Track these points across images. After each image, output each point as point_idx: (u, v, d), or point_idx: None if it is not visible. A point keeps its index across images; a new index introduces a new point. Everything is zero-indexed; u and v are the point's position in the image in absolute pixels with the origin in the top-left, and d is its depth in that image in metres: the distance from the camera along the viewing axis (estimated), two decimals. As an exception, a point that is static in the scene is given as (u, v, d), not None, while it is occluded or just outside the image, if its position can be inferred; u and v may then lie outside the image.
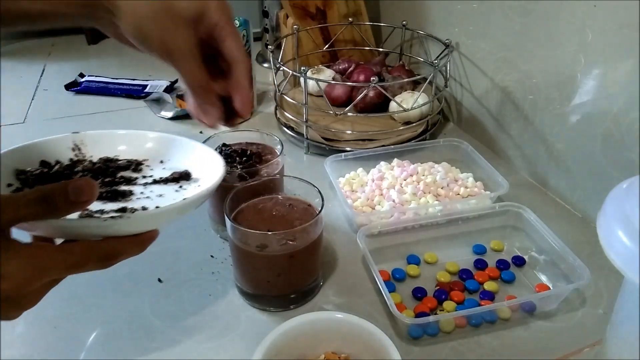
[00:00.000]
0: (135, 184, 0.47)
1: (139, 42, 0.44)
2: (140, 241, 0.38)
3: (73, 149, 0.48)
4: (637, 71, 0.56)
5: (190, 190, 0.46)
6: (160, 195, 0.45)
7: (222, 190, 0.57)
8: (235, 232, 0.52)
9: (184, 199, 0.41)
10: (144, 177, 0.48)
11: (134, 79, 1.07)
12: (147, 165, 0.50)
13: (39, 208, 0.33)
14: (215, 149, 0.63)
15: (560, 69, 0.66)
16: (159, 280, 0.58)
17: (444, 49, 0.85)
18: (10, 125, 0.91)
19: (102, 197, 0.44)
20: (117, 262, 0.37)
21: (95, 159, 0.49)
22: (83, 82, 1.06)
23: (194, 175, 0.48)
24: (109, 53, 1.26)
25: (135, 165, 0.49)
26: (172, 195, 0.46)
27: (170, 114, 0.93)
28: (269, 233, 0.51)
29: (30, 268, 0.32)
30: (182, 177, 0.48)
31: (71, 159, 0.48)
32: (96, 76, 1.08)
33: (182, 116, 0.92)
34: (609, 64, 0.60)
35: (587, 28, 0.61)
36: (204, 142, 0.62)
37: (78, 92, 1.03)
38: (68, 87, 1.04)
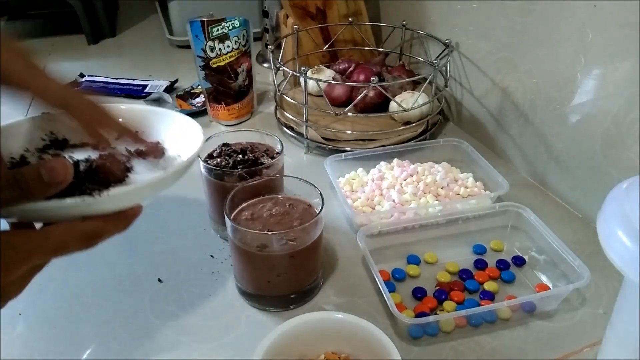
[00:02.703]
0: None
1: None
2: (123, 217, 0.36)
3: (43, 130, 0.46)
4: (637, 71, 0.56)
5: (170, 162, 0.45)
6: (139, 169, 0.44)
7: (222, 190, 0.57)
8: (235, 232, 0.52)
9: (165, 170, 0.40)
10: (122, 153, 0.46)
11: (134, 79, 1.07)
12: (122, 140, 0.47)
13: (12, 193, 0.31)
14: (216, 149, 0.63)
15: (560, 69, 0.66)
16: (159, 280, 0.58)
17: (444, 49, 0.85)
18: (10, 125, 0.91)
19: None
20: (101, 240, 0.36)
21: (71, 140, 0.46)
22: (83, 82, 1.06)
23: (173, 146, 0.46)
24: (109, 53, 1.26)
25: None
26: (151, 168, 0.44)
27: (170, 114, 0.92)
28: (269, 233, 0.51)
29: (10, 256, 0.31)
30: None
31: (43, 139, 0.46)
32: (96, 76, 1.08)
33: (182, 116, 0.92)
34: (609, 64, 0.60)
35: (587, 28, 0.61)
36: (204, 142, 0.62)
37: (78, 92, 1.03)
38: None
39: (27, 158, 0.44)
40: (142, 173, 0.43)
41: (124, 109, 0.49)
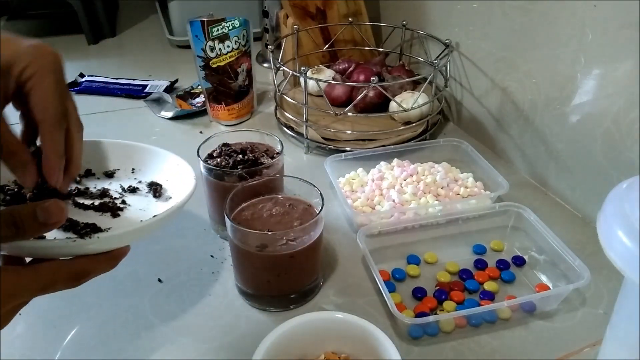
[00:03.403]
0: (107, 195, 0.46)
1: None
2: (110, 258, 0.37)
3: None
4: (637, 71, 0.56)
5: (162, 203, 0.46)
6: (132, 207, 0.45)
7: (222, 190, 0.57)
8: (235, 232, 0.52)
9: (154, 216, 0.41)
10: (117, 190, 0.47)
11: (134, 79, 1.07)
12: (117, 176, 0.49)
13: (7, 231, 0.32)
14: (216, 149, 0.63)
15: (560, 69, 0.66)
16: (159, 280, 0.58)
17: (444, 49, 0.85)
18: (10, 126, 0.91)
19: (91, 207, 0.44)
20: (87, 280, 0.36)
21: None
22: (83, 82, 1.06)
23: (165, 186, 0.48)
24: (109, 53, 1.26)
25: (107, 176, 0.49)
26: (144, 208, 0.45)
27: (170, 114, 0.93)
28: (269, 233, 0.51)
29: (0, 293, 0.32)
30: (154, 188, 0.47)
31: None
32: (96, 76, 1.08)
33: (182, 116, 0.92)
34: (609, 64, 0.60)
35: (587, 28, 0.61)
36: (204, 142, 0.62)
37: (78, 92, 1.03)
38: (68, 87, 1.04)
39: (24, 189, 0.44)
40: (134, 212, 0.44)
41: (125, 146, 0.50)
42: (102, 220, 0.43)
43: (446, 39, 0.84)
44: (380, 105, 0.84)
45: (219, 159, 0.61)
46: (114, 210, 0.44)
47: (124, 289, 0.57)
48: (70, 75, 1.08)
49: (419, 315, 0.53)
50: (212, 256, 0.62)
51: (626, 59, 0.57)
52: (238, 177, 0.58)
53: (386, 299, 0.51)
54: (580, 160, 0.66)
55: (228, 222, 0.52)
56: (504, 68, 0.76)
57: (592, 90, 0.62)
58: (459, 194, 0.69)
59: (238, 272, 0.56)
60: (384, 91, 0.80)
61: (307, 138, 0.81)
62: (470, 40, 0.82)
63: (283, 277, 0.53)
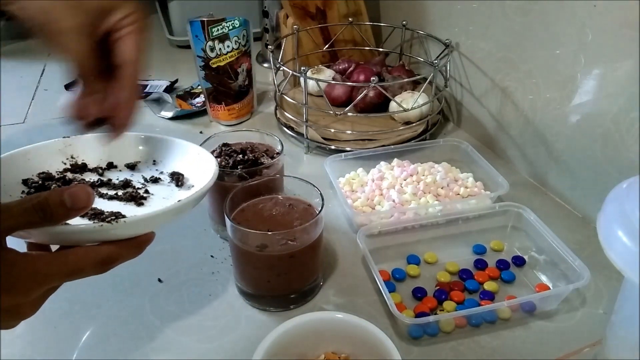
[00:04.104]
0: (130, 185, 0.47)
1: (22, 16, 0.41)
2: (137, 244, 0.38)
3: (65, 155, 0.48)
4: (637, 71, 0.56)
5: (185, 192, 0.46)
6: (155, 196, 0.46)
7: (222, 190, 0.57)
8: (235, 232, 0.52)
9: (179, 201, 0.41)
10: (139, 181, 0.48)
11: (134, 79, 1.06)
12: (139, 168, 0.50)
13: (35, 216, 0.32)
14: (216, 149, 0.63)
15: (560, 69, 0.66)
16: (159, 280, 0.58)
17: (444, 49, 0.85)
18: (10, 125, 0.91)
19: (117, 198, 0.45)
20: (114, 266, 0.37)
21: (89, 165, 0.49)
22: (83, 82, 1.06)
23: (187, 175, 0.48)
24: (109, 53, 1.26)
25: (129, 168, 0.50)
26: (167, 196, 0.46)
27: (170, 114, 0.93)
28: (269, 233, 0.51)
29: (28, 278, 0.32)
30: (176, 177, 0.48)
31: (63, 162, 0.48)
32: (96, 76, 1.08)
33: (182, 116, 0.92)
34: (609, 64, 0.60)
35: (587, 28, 0.61)
36: (204, 142, 0.62)
37: (78, 92, 1.03)
38: (68, 87, 1.04)
39: (48, 181, 0.45)
40: (158, 200, 0.45)
41: (144, 138, 0.51)
42: (126, 209, 0.43)
43: (446, 39, 0.84)
44: (380, 105, 0.84)
45: (219, 159, 0.61)
46: (137, 199, 0.45)
47: (124, 289, 0.57)
48: (70, 76, 1.07)
49: (419, 315, 0.53)
50: (212, 256, 0.62)
51: (626, 59, 0.57)
52: (238, 177, 0.58)
53: (386, 299, 0.51)
54: (580, 160, 0.66)
55: (228, 222, 0.52)
56: (504, 68, 0.76)
57: (592, 90, 0.62)
58: (459, 194, 0.69)
59: (238, 272, 0.56)
60: (384, 91, 0.80)
61: (307, 138, 0.82)
62: (470, 40, 0.82)
63: (283, 277, 0.53)
